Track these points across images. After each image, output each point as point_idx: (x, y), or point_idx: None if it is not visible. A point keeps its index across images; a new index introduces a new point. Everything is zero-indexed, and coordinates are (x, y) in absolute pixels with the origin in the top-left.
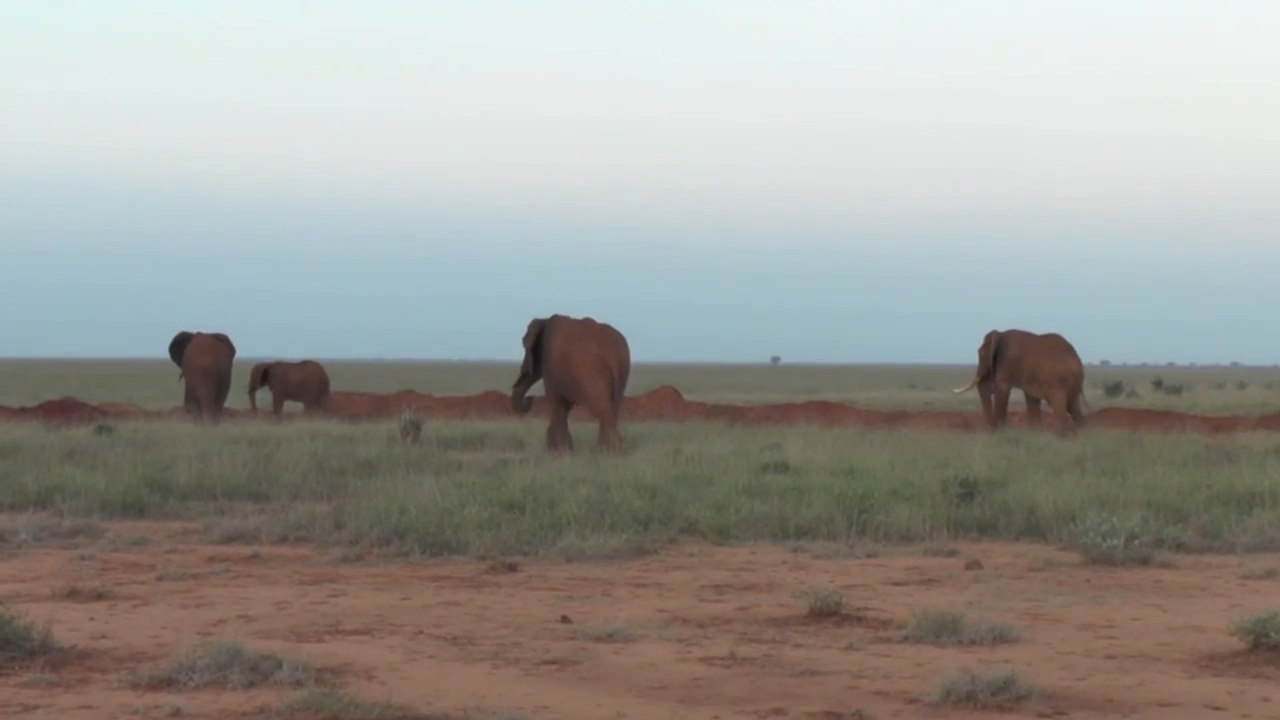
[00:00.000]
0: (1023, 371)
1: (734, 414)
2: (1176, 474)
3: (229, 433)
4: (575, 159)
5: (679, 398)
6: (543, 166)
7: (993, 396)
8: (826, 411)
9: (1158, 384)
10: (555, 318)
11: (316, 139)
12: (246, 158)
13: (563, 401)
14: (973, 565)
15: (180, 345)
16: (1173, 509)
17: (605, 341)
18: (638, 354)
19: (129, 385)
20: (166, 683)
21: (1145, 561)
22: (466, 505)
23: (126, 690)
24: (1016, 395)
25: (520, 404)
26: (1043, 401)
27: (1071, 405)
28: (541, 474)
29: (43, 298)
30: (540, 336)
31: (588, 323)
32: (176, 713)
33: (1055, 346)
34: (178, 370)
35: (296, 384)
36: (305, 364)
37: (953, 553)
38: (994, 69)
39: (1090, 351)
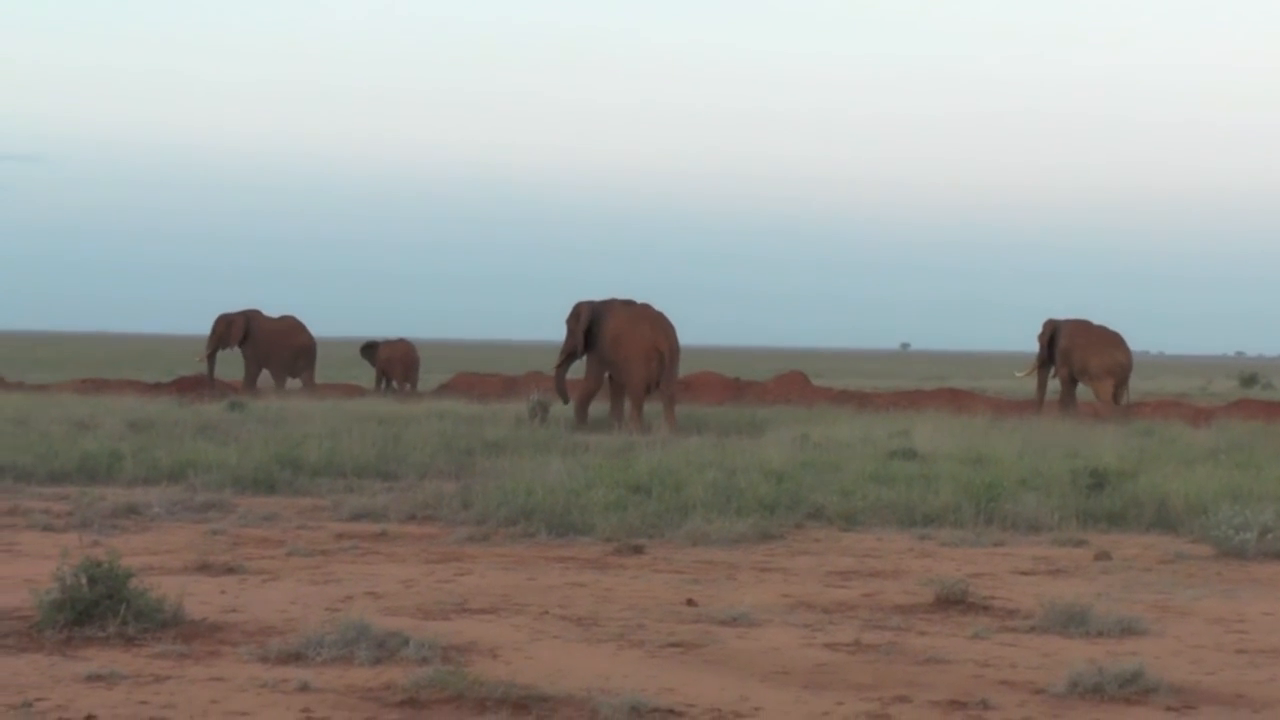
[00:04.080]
0: (1073, 361)
1: (862, 400)
2: None
3: (358, 411)
4: (706, 145)
5: (807, 382)
6: (672, 153)
7: (1051, 384)
8: (955, 399)
9: None
10: (608, 302)
11: (455, 121)
12: (373, 142)
13: (601, 382)
14: (1101, 556)
15: (246, 327)
16: None
17: (657, 326)
18: (768, 339)
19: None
20: (295, 657)
21: (1278, 556)
22: (593, 487)
23: (255, 663)
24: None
25: (563, 391)
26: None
27: (1117, 395)
28: (668, 457)
29: (178, 275)
30: (594, 320)
31: (641, 308)
32: (304, 687)
33: (1105, 338)
34: (228, 350)
35: (384, 361)
36: (397, 342)
37: (1081, 543)
38: (1124, 59)
39: (1225, 343)
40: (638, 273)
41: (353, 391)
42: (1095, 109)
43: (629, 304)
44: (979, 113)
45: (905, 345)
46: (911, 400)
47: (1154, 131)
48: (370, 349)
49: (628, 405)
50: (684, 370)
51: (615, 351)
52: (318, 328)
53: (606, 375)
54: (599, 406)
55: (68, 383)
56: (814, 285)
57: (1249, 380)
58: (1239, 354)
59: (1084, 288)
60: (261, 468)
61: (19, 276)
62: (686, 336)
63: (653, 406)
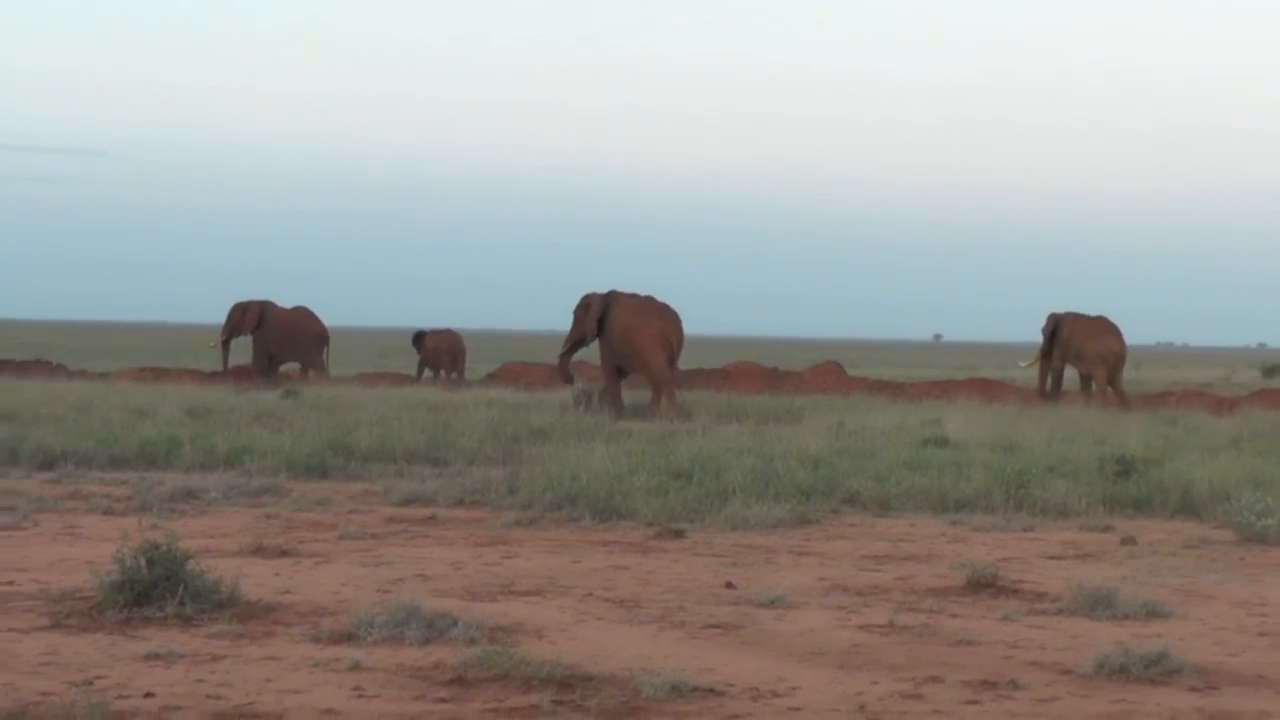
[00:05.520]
0: (1071, 350)
1: (896, 389)
2: None
3: (408, 398)
4: (751, 151)
5: (842, 372)
6: (716, 158)
7: (1049, 373)
8: (986, 388)
9: None
10: (613, 293)
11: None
12: (425, 146)
13: (619, 370)
14: (1128, 541)
15: (260, 316)
16: None
17: (665, 317)
18: (806, 331)
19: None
20: (346, 637)
21: None
22: (636, 473)
23: (309, 643)
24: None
25: (567, 375)
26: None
27: (1114, 382)
28: (708, 444)
29: (236, 269)
30: (605, 311)
31: (648, 299)
32: (356, 666)
33: (1100, 327)
34: (234, 338)
35: (431, 350)
36: (444, 332)
37: (1108, 528)
38: (1153, 63)
39: (1248, 335)
40: (681, 269)
41: (402, 380)
42: (1122, 113)
43: (634, 296)
44: (1011, 118)
45: (938, 337)
46: (943, 390)
47: (1176, 134)
48: (420, 338)
49: (654, 394)
50: (724, 360)
51: (625, 343)
52: (370, 320)
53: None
54: (632, 394)
55: (128, 371)
56: (850, 280)
57: (1271, 371)
58: (1261, 345)
59: (1111, 282)
60: (315, 454)
61: (83, 268)
62: (728, 328)
63: (640, 393)
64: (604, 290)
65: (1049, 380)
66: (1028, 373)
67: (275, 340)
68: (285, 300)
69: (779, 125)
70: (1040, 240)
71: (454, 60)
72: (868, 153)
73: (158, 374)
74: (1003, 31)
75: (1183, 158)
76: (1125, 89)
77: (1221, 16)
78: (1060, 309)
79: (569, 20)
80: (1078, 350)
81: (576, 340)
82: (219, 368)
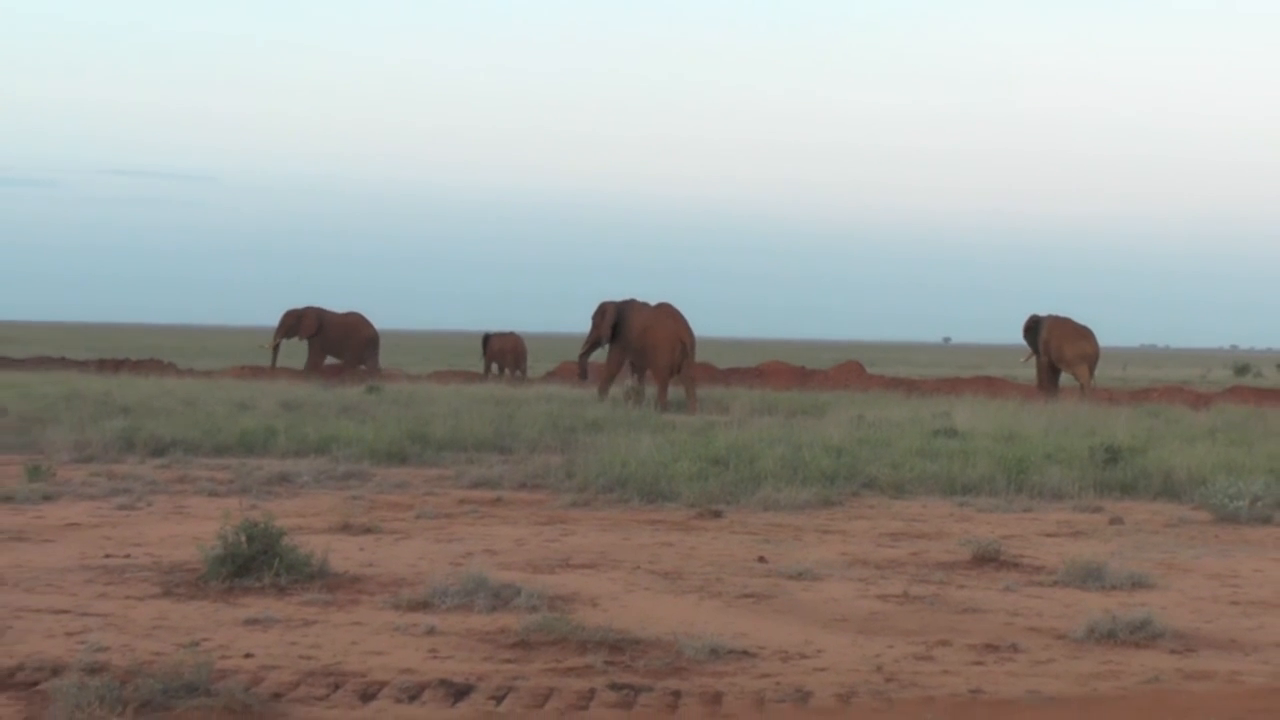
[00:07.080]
0: (1051, 350)
1: (910, 386)
2: None
3: (477, 394)
4: (780, 176)
5: (863, 370)
6: (749, 182)
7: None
8: (991, 385)
9: None
10: (631, 301)
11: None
12: (492, 171)
13: (629, 365)
14: (1115, 521)
15: (319, 323)
16: None
17: (679, 322)
18: (831, 333)
19: (394, 353)
20: (423, 605)
21: (1267, 520)
22: (679, 460)
23: (390, 610)
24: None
25: (584, 372)
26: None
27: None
28: (744, 435)
29: (329, 279)
30: (619, 316)
31: (662, 306)
32: (431, 630)
33: (1075, 332)
34: (289, 341)
35: (496, 351)
36: (508, 335)
37: (1098, 509)
38: (1135, 95)
39: (1222, 337)
40: (719, 281)
41: (471, 378)
42: (1117, 140)
43: (647, 304)
44: (1014, 146)
45: (947, 339)
46: (952, 386)
47: (1164, 162)
48: (487, 340)
49: (657, 389)
50: (756, 359)
51: (643, 342)
52: (443, 324)
53: (628, 361)
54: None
55: (230, 369)
56: (869, 289)
57: (1242, 370)
58: (1234, 347)
59: (1101, 290)
60: (395, 442)
61: (196, 277)
62: (761, 332)
63: (675, 390)
64: (621, 299)
65: (1041, 376)
66: (1029, 369)
67: (333, 343)
68: (337, 305)
69: (806, 153)
70: (1039, 254)
71: (562, 95)
72: (885, 177)
73: (256, 372)
74: (1008, 67)
75: (1168, 183)
76: (1120, 119)
77: (1213, 56)
78: (1042, 311)
79: (629, 57)
80: (1057, 352)
81: (594, 342)
82: (300, 367)
